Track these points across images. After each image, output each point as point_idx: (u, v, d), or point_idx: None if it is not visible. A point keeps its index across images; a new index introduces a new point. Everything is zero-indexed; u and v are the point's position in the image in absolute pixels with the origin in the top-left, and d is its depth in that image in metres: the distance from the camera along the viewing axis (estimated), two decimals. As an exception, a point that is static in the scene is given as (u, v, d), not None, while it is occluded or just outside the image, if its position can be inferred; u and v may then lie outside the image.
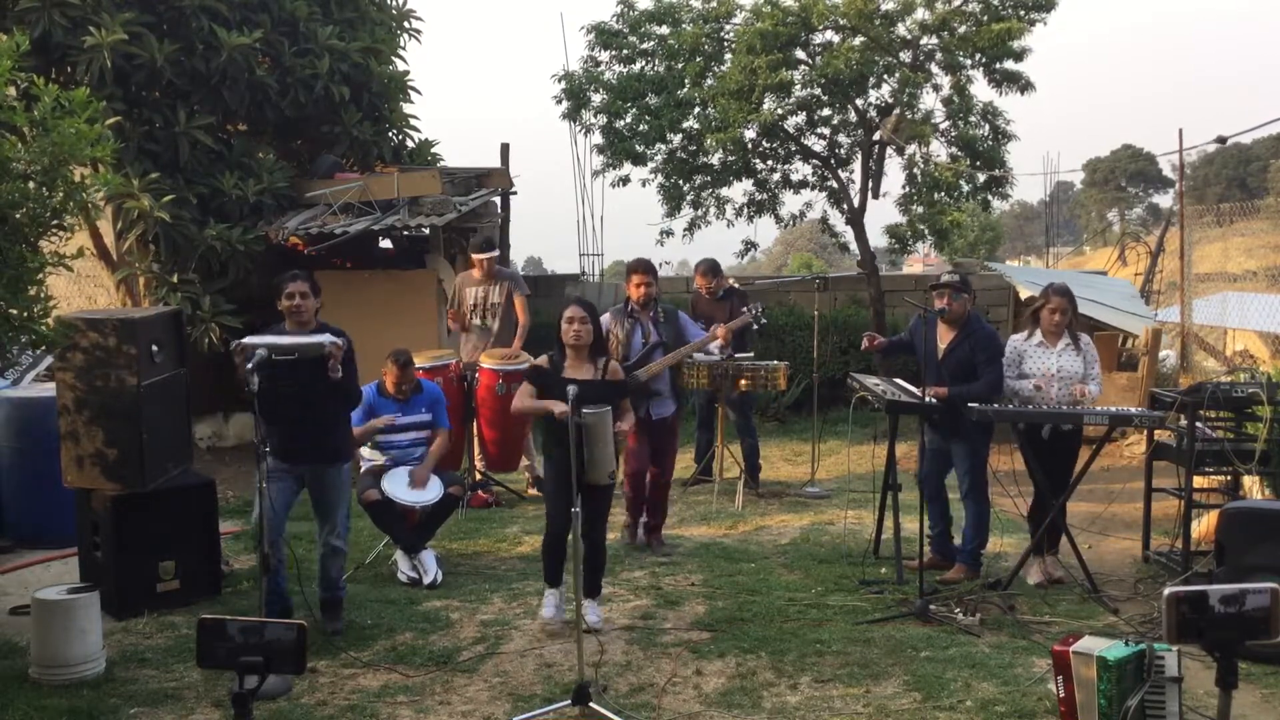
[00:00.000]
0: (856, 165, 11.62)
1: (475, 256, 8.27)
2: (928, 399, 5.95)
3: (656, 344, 6.74)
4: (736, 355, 7.97)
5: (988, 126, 11.14)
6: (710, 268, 8.74)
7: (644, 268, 6.87)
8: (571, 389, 4.76)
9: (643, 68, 11.70)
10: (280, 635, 2.84)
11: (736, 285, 9.22)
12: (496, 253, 8.30)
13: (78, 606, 4.82)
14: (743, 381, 7.96)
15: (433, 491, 6.38)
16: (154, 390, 5.65)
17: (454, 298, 8.42)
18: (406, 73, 10.83)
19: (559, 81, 11.80)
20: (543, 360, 5.53)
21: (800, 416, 11.15)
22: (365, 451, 6.55)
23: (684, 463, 9.19)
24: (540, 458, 6.46)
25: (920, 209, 11.15)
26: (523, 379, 5.68)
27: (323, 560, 5.44)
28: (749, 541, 7.09)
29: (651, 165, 11.61)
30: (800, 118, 11.36)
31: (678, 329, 6.90)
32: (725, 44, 11.37)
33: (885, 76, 10.99)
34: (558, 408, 5.05)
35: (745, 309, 7.49)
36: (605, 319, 6.58)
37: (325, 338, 5.14)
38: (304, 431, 5.20)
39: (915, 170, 11.24)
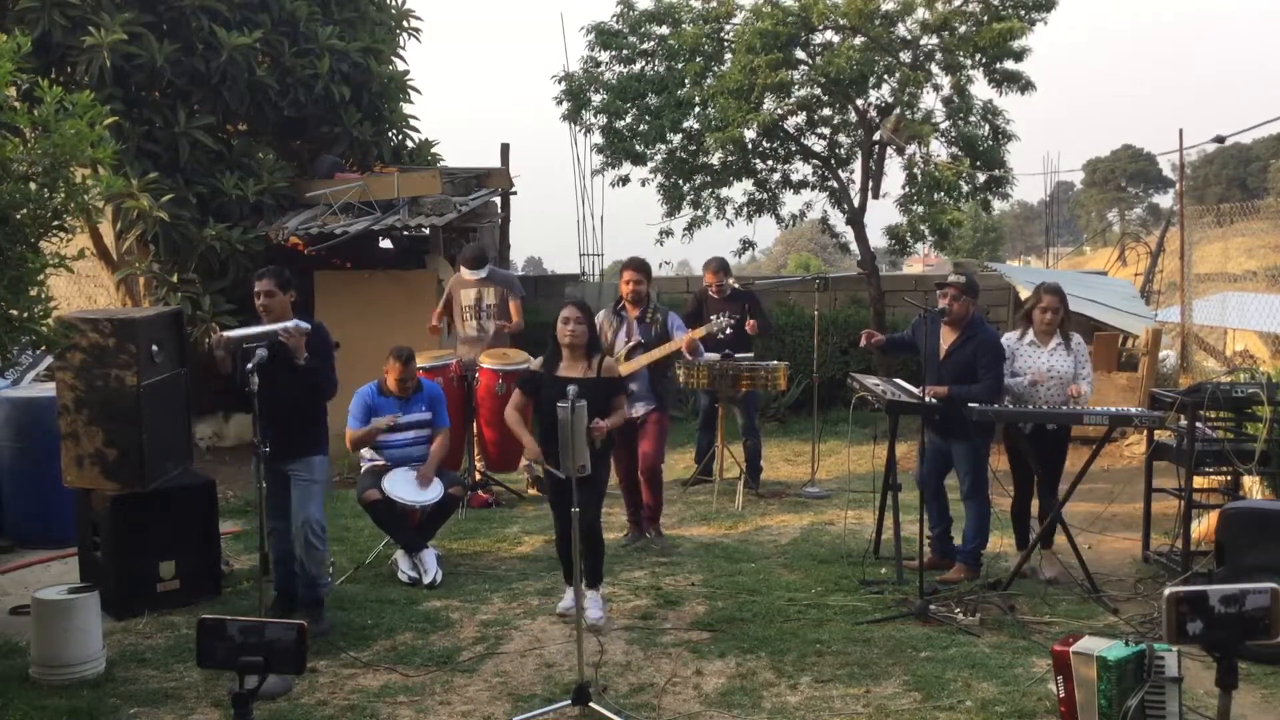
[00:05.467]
0: (856, 165, 11.61)
1: (466, 274, 8.26)
2: (928, 399, 5.95)
3: (636, 345, 6.81)
4: (736, 355, 7.96)
5: (988, 126, 11.12)
6: (720, 265, 8.76)
7: (635, 266, 6.92)
8: (571, 389, 4.74)
9: (643, 68, 11.69)
10: (280, 635, 2.84)
11: (737, 286, 9.20)
12: (485, 273, 8.26)
13: (78, 606, 4.82)
14: (743, 382, 7.95)
15: (433, 491, 6.38)
16: (154, 390, 5.65)
17: (445, 298, 8.40)
18: (406, 73, 10.85)
19: (559, 82, 11.79)
20: (536, 363, 5.57)
21: (800, 416, 11.14)
22: (365, 451, 6.56)
23: (684, 463, 9.20)
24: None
25: (920, 209, 11.14)
26: (516, 385, 5.71)
27: (299, 557, 5.41)
28: (749, 541, 7.09)
29: (651, 165, 11.59)
30: (800, 118, 11.34)
31: (664, 330, 6.92)
32: (725, 44, 11.37)
33: (885, 76, 10.97)
34: (533, 452, 5.42)
35: (713, 318, 7.34)
36: (599, 317, 6.63)
37: (280, 325, 5.22)
38: (279, 425, 5.21)
39: (915, 170, 11.23)
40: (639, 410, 6.74)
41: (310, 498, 5.40)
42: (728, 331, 7.34)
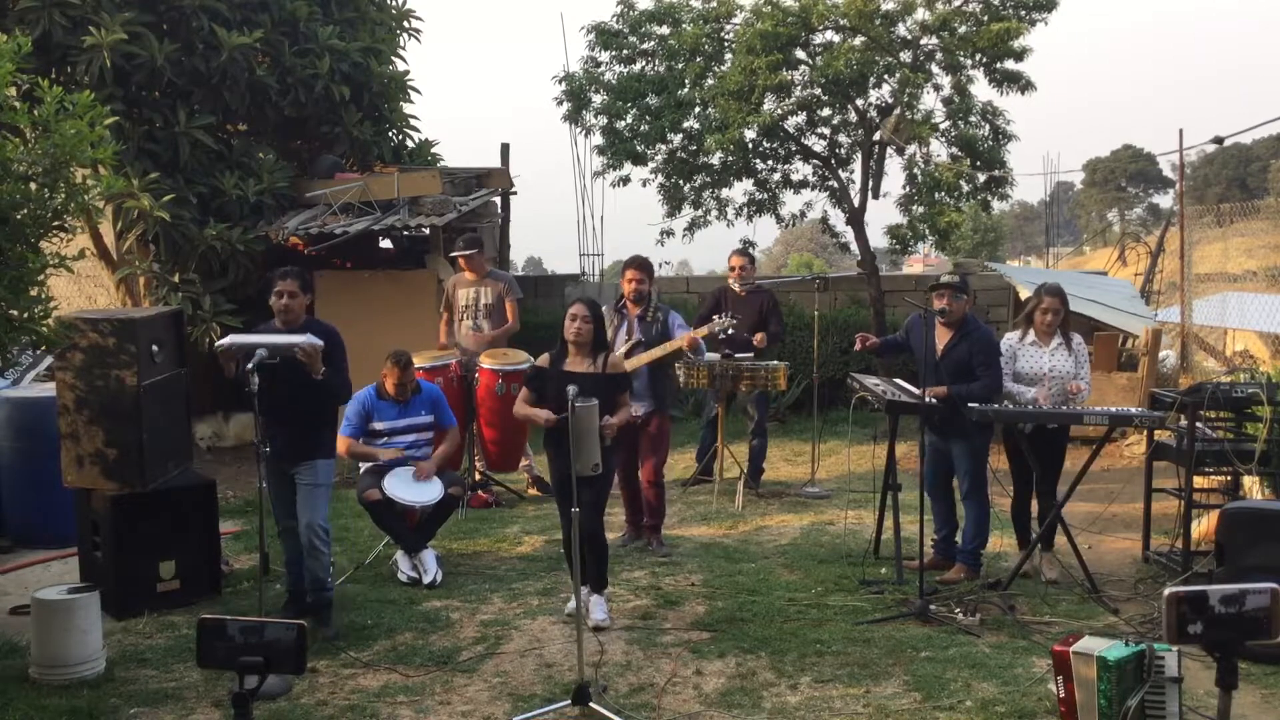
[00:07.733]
0: (856, 165, 11.61)
1: (456, 255, 8.26)
2: (927, 399, 5.95)
3: (636, 343, 6.83)
4: (737, 356, 7.97)
5: (988, 126, 11.13)
6: (748, 253, 8.93)
7: (637, 264, 6.93)
8: (571, 388, 4.80)
9: (643, 68, 11.69)
10: (280, 635, 2.84)
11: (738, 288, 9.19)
12: (476, 250, 8.24)
13: (78, 606, 4.82)
14: (743, 382, 7.95)
15: (433, 491, 6.38)
16: (154, 390, 5.65)
17: (446, 299, 8.40)
18: (406, 73, 10.84)
19: (559, 82, 11.80)
20: (543, 360, 5.62)
21: (800, 416, 11.14)
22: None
23: (684, 462, 9.20)
24: (538, 457, 6.49)
25: (920, 209, 11.14)
26: (523, 382, 5.80)
27: (305, 561, 5.41)
28: (749, 541, 7.09)
29: (652, 165, 11.60)
30: (800, 118, 11.34)
31: (664, 329, 6.93)
32: (725, 44, 11.37)
33: (885, 76, 10.97)
34: (542, 417, 5.36)
35: (715, 318, 7.41)
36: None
37: (300, 338, 5.13)
38: (287, 429, 5.24)
39: (915, 170, 11.24)
40: (639, 410, 6.73)
41: (316, 501, 5.38)
42: (729, 332, 7.41)
